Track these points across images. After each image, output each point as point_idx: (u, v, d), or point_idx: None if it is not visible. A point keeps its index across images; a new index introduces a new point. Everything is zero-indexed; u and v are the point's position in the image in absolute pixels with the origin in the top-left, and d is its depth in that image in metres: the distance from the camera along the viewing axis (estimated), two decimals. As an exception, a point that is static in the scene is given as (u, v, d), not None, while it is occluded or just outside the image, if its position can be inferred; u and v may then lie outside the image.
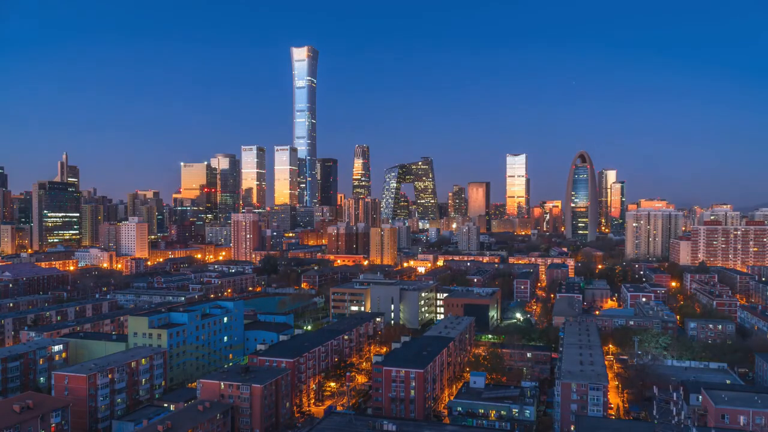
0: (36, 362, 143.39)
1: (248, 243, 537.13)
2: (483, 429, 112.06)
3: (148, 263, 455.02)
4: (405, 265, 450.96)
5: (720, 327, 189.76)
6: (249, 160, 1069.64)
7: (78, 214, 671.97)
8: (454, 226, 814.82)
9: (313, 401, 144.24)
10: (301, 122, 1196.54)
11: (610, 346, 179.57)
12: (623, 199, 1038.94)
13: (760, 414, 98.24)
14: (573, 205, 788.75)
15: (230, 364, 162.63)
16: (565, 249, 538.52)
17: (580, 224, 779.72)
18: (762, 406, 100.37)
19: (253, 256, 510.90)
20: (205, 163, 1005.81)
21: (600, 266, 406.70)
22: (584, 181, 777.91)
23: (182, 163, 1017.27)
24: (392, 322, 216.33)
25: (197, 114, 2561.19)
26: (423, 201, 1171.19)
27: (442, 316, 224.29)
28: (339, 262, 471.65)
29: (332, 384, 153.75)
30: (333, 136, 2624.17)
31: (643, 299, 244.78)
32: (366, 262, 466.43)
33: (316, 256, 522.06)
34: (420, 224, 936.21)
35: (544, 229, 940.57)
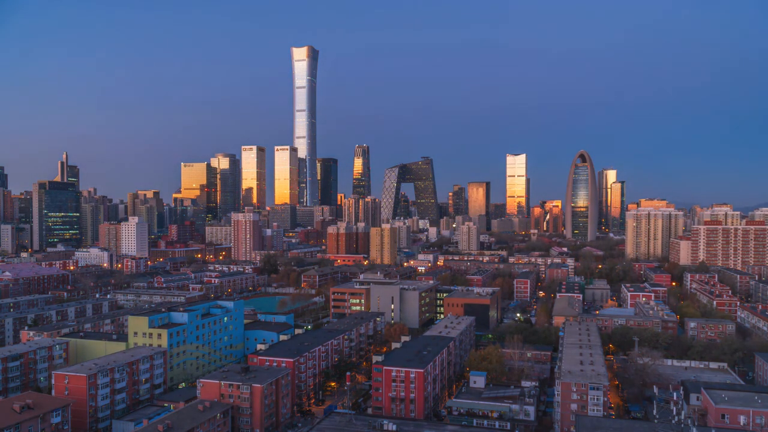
0: (36, 362, 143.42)
1: (248, 243, 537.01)
2: (483, 429, 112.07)
3: (149, 263, 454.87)
4: (405, 265, 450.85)
5: (720, 327, 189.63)
6: (249, 160, 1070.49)
7: (78, 214, 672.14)
8: (454, 226, 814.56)
9: (313, 401, 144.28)
10: (301, 122, 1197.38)
11: (610, 346, 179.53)
12: (623, 199, 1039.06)
13: (760, 414, 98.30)
14: (573, 205, 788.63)
15: (230, 363, 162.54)
16: (565, 249, 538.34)
17: (580, 224, 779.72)
18: (762, 406, 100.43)
19: (253, 255, 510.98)
20: (205, 163, 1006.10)
21: (600, 266, 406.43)
22: (584, 181, 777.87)
23: (182, 163, 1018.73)
24: (392, 321, 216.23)
25: (197, 114, 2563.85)
26: (423, 201, 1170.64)
27: (443, 316, 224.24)
28: (339, 261, 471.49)
29: (332, 384, 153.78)
30: (333, 136, 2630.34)
31: (643, 299, 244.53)
32: (366, 262, 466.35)
33: (316, 255, 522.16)
34: (420, 224, 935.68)
35: (544, 229, 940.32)
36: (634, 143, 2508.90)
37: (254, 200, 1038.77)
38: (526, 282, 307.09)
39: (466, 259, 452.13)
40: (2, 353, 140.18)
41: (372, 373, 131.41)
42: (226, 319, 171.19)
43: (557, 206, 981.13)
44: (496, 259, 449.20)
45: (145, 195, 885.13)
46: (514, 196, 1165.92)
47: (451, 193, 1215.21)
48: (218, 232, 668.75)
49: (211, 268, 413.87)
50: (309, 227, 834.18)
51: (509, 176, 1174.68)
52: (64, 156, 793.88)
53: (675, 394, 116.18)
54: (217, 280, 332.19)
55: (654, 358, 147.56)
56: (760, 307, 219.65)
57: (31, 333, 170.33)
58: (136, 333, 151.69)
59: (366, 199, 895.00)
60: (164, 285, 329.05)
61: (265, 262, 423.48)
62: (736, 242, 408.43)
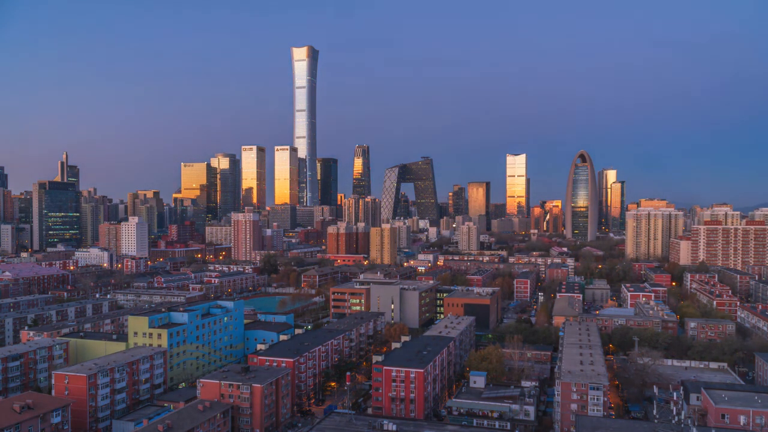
0: (36, 362, 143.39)
1: (248, 243, 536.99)
2: (483, 429, 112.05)
3: (149, 263, 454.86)
4: (405, 265, 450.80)
5: (720, 327, 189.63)
6: (249, 160, 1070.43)
7: (78, 214, 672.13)
8: (454, 226, 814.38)
9: (313, 401, 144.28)
10: (301, 122, 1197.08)
11: (610, 346, 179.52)
12: (623, 199, 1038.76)
13: (760, 414, 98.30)
14: (573, 205, 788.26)
15: (230, 363, 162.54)
16: (565, 249, 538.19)
17: (580, 224, 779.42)
18: (762, 406, 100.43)
19: (253, 255, 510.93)
20: (205, 163, 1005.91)
21: (600, 266, 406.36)
22: (584, 181, 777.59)
23: (182, 163, 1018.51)
24: (392, 321, 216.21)
25: (197, 114, 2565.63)
26: (423, 201, 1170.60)
27: (443, 316, 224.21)
28: (339, 261, 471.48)
29: (332, 384, 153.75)
30: (333, 136, 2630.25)
31: (643, 299, 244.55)
32: (366, 262, 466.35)
33: (316, 255, 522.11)
34: (420, 224, 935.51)
35: (544, 229, 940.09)
36: (634, 143, 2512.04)
37: (254, 200, 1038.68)
38: (526, 282, 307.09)
39: (466, 259, 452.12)
40: (2, 353, 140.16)
41: (372, 373, 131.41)
42: (226, 319, 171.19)
43: (557, 206, 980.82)
44: (496, 259, 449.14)
45: (145, 195, 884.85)
46: (514, 196, 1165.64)
47: (451, 193, 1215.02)
48: (218, 232, 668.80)
49: (211, 268, 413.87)
50: (309, 227, 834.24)
51: (509, 176, 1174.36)
52: (64, 156, 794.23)
53: (675, 394, 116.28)
54: (217, 280, 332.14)
55: (654, 358, 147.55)
56: (760, 307, 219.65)
57: (31, 333, 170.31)
58: (136, 333, 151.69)
59: (366, 199, 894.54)
60: (164, 285, 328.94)
61: (265, 262, 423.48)
62: (736, 242, 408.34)
